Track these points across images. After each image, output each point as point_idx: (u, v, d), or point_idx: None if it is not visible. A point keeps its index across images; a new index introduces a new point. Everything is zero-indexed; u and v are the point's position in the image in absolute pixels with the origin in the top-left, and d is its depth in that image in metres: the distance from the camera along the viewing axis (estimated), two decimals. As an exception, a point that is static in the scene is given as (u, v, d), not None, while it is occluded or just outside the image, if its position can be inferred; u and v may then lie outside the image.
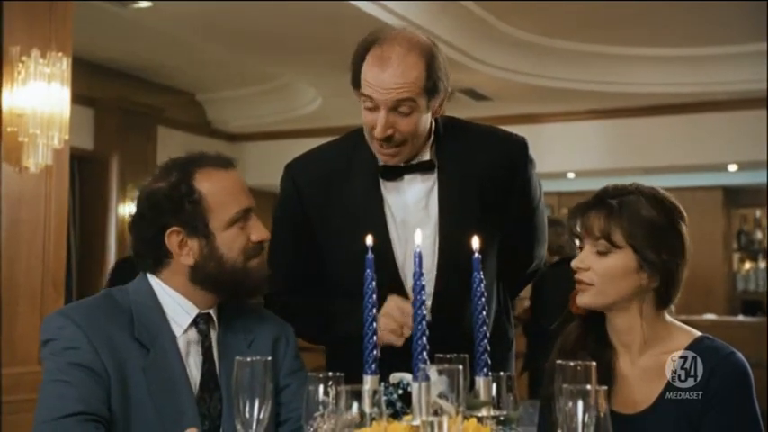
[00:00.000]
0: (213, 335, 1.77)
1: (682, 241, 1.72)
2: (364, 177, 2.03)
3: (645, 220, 1.69)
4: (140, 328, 1.69)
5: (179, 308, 1.74)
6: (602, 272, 1.69)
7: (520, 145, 2.11)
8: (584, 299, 1.72)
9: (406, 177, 2.02)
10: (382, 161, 2.00)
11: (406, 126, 1.92)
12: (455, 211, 2.01)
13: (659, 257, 1.68)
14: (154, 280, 1.76)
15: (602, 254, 1.70)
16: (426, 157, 2.03)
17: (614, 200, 1.71)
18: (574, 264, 1.74)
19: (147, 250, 1.75)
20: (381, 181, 2.02)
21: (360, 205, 2.02)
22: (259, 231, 1.77)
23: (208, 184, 1.73)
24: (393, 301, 1.89)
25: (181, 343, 1.72)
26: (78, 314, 1.68)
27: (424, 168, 2.03)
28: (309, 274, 2.10)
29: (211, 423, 1.70)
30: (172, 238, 1.72)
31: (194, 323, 1.75)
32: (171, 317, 1.73)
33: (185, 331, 1.74)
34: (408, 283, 1.98)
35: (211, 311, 1.77)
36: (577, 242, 1.75)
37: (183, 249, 1.72)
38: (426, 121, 1.97)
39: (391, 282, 1.95)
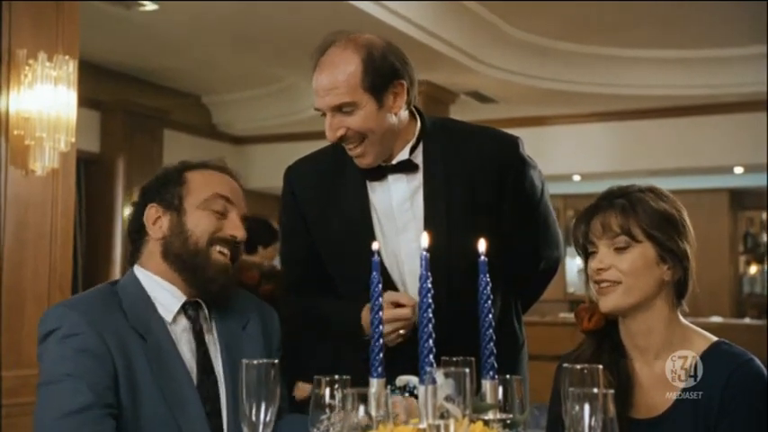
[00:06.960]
0: (203, 320, 1.80)
1: (690, 231, 1.72)
2: (353, 179, 2.02)
3: (658, 212, 1.69)
4: (133, 318, 1.72)
5: (166, 293, 1.78)
6: (625, 267, 1.67)
7: (511, 144, 2.04)
8: (609, 301, 1.68)
9: (390, 177, 2.00)
10: (357, 163, 1.98)
11: (355, 122, 1.89)
12: (439, 213, 1.97)
13: (679, 246, 1.68)
14: (139, 271, 1.81)
15: (620, 250, 1.68)
16: (405, 156, 1.99)
17: (622, 198, 1.71)
18: (594, 266, 1.70)
19: (133, 234, 1.84)
20: (368, 182, 2.01)
21: (348, 207, 2.01)
22: (235, 228, 1.81)
23: (198, 175, 1.83)
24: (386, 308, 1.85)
25: (172, 331, 1.75)
26: (78, 303, 1.73)
27: (407, 168, 1.99)
28: (318, 275, 2.10)
29: (212, 406, 1.73)
30: (149, 213, 1.80)
31: (183, 310, 1.78)
32: (159, 303, 1.76)
33: (175, 319, 1.76)
34: (399, 285, 1.98)
35: (199, 299, 1.80)
36: (589, 248, 1.72)
37: (156, 224, 1.79)
38: (383, 116, 1.91)
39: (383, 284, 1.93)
